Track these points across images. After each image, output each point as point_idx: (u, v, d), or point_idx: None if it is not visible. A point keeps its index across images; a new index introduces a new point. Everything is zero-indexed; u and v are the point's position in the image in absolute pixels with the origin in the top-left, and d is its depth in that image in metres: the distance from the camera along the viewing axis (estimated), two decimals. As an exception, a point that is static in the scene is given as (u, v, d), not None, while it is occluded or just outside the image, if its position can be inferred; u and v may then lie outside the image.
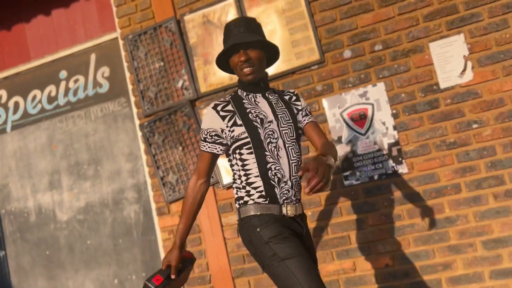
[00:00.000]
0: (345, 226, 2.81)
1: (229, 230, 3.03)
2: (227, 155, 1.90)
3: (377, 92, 2.77)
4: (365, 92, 2.79)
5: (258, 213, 1.76)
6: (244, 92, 1.88)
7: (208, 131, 1.83)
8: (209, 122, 1.84)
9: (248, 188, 1.80)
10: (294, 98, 1.97)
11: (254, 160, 1.78)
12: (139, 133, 3.25)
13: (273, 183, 1.77)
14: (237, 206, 1.85)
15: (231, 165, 1.89)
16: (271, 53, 1.92)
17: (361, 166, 2.79)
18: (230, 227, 3.02)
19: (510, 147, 2.55)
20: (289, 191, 1.78)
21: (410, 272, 2.68)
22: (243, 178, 1.81)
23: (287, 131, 1.83)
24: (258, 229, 1.73)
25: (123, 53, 3.34)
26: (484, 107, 2.60)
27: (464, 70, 2.63)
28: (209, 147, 1.84)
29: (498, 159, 2.57)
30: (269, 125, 1.80)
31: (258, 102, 1.86)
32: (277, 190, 1.77)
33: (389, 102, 2.75)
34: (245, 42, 1.77)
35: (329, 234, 2.84)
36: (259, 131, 1.78)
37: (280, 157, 1.79)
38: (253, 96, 1.88)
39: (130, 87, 3.31)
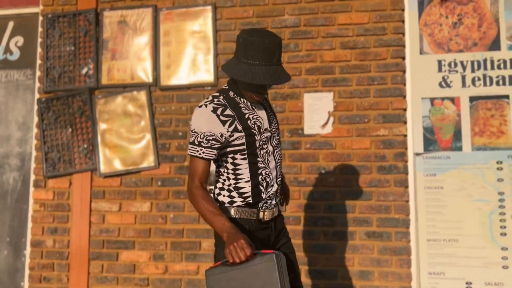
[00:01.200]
0: (198, 233, 3.13)
1: (96, 216, 3.25)
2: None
3: (254, 124, 3.14)
4: (244, 121, 3.15)
5: (236, 217, 1.78)
6: (238, 96, 1.82)
7: (205, 135, 1.72)
8: (207, 125, 1.73)
9: (233, 192, 1.80)
10: (269, 102, 2.00)
11: (247, 166, 1.78)
12: (36, 107, 3.41)
13: (261, 188, 1.80)
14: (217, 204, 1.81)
15: (218, 166, 1.86)
16: None
17: (225, 184, 3.13)
18: (97, 212, 3.25)
19: (347, 195, 3.00)
20: (273, 194, 1.84)
21: (242, 284, 3.03)
22: (232, 182, 1.80)
23: (275, 135, 1.88)
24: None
25: (39, 29, 3.49)
26: (334, 158, 3.04)
27: (326, 123, 3.06)
28: (204, 152, 1.73)
29: (335, 204, 3.00)
30: (265, 133, 1.82)
31: (255, 107, 1.84)
32: (263, 195, 1.81)
33: (261, 135, 3.13)
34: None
35: (183, 237, 3.14)
36: (256, 138, 1.78)
37: (269, 161, 1.82)
38: (246, 100, 1.83)
39: (38, 61, 3.47)
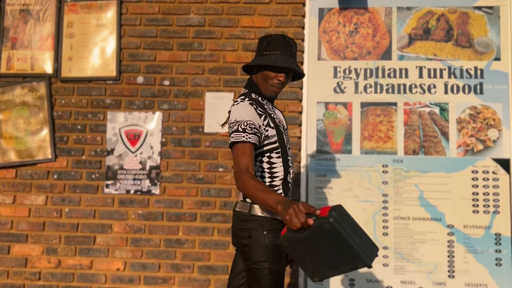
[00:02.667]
0: (93, 228, 3.11)
1: (-13, 207, 3.15)
2: None
3: (155, 120, 3.16)
4: (146, 117, 3.16)
5: (268, 216, 1.81)
6: (260, 98, 1.92)
7: (248, 123, 1.76)
8: (248, 115, 1.78)
9: None
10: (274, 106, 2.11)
11: (281, 164, 1.86)
12: None
13: (290, 185, 1.91)
14: (250, 201, 1.85)
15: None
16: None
17: (123, 179, 3.13)
18: (-11, 204, 3.16)
19: (242, 194, 3.07)
20: (291, 190, 1.95)
21: (134, 279, 3.05)
22: (267, 180, 1.85)
23: (289, 138, 2.02)
24: (265, 232, 1.80)
25: None
26: (231, 157, 3.10)
27: (225, 122, 3.12)
28: (250, 137, 1.75)
29: (230, 201, 3.07)
30: (286, 132, 1.96)
31: (275, 110, 1.99)
32: (289, 193, 1.91)
33: (161, 131, 3.15)
34: (291, 68, 1.87)
35: (77, 232, 3.11)
36: (284, 136, 1.89)
37: (292, 161, 1.95)
38: (268, 103, 1.96)
39: None
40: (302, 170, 3.10)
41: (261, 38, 1.92)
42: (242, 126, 1.75)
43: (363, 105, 3.14)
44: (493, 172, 3.02)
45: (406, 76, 3.13)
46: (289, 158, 1.90)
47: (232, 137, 1.76)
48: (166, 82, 3.18)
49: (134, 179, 3.12)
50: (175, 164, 3.12)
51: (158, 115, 3.16)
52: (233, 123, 1.79)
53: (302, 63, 3.15)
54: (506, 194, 2.99)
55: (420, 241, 3.03)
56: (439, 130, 3.08)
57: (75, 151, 3.17)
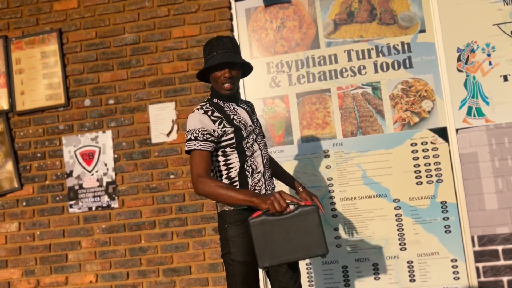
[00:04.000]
0: (64, 246, 3.33)
1: (-33, 240, 3.42)
2: None
3: (105, 138, 3.35)
4: (96, 137, 3.36)
5: (230, 208, 1.98)
6: (221, 102, 2.08)
7: (200, 130, 1.93)
8: (199, 123, 1.94)
9: (225, 182, 2.01)
10: (253, 108, 2.28)
11: (236, 156, 2.00)
12: None
13: (248, 173, 2.01)
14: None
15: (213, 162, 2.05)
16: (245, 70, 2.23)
17: (84, 197, 3.34)
18: (-32, 237, 3.42)
19: (194, 196, 3.23)
20: (260, 180, 2.04)
21: (105, 289, 3.26)
22: (224, 172, 2.01)
23: (258, 130, 2.15)
24: (226, 226, 1.98)
25: None
26: (181, 162, 3.27)
27: (171, 131, 3.29)
28: (201, 145, 1.92)
29: (184, 205, 3.24)
30: (250, 128, 2.07)
31: (237, 110, 2.10)
32: (249, 180, 2.01)
33: (113, 148, 3.34)
34: (230, 62, 2.01)
35: (50, 251, 3.33)
36: (243, 133, 2.01)
37: (254, 151, 2.05)
38: (230, 104, 2.09)
39: None
40: (248, 166, 3.23)
41: (204, 47, 2.08)
42: (194, 135, 1.93)
43: (298, 95, 3.24)
44: (432, 142, 3.07)
45: (336, 62, 3.21)
46: (245, 149, 2.02)
47: (186, 146, 1.95)
48: (111, 101, 3.37)
49: (94, 196, 3.32)
50: (129, 177, 3.31)
51: (108, 133, 3.35)
52: (187, 132, 1.98)
53: (234, 64, 3.26)
54: (447, 162, 3.04)
55: (369, 219, 3.12)
56: (373, 109, 3.15)
57: (38, 178, 3.40)
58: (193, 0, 3.32)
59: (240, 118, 2.06)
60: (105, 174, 3.33)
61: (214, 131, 1.95)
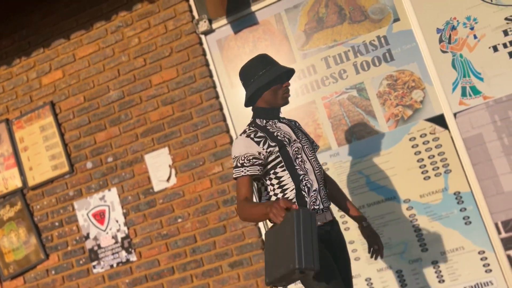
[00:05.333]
0: (96, 307, 3.43)
1: (10, 316, 3.60)
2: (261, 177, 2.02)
3: (112, 196, 3.44)
4: (104, 196, 3.46)
5: None
6: (264, 120, 2.06)
7: (245, 156, 1.93)
8: (244, 148, 1.94)
9: None
10: (298, 124, 2.23)
11: (289, 175, 1.95)
12: None
13: (304, 193, 1.95)
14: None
15: (265, 185, 2.02)
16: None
17: (104, 256, 3.43)
18: (10, 313, 3.60)
19: (205, 235, 3.23)
20: (316, 198, 1.97)
21: None
22: (280, 195, 1.97)
23: (307, 146, 2.07)
24: None
25: None
26: (185, 205, 3.28)
27: (170, 176, 3.32)
28: (248, 170, 1.91)
29: (197, 246, 3.25)
30: (295, 143, 2.02)
31: (279, 127, 2.06)
32: (307, 199, 1.95)
33: (120, 203, 3.42)
34: (287, 71, 2.06)
35: (84, 314, 3.45)
36: (288, 149, 1.97)
37: (307, 169, 1.99)
38: (272, 122, 2.07)
39: None
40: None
41: (241, 71, 2.09)
42: (240, 161, 1.94)
43: (285, 113, 3.17)
44: (431, 133, 2.89)
45: (315, 72, 3.12)
46: (297, 168, 1.97)
47: (234, 173, 1.96)
48: (110, 159, 3.46)
49: (113, 254, 3.41)
50: (141, 228, 3.37)
51: (113, 190, 3.43)
52: (233, 159, 1.99)
53: (216, 98, 3.26)
54: (451, 150, 2.85)
55: (382, 225, 2.97)
56: (363, 111, 3.03)
57: (60, 245, 3.54)
58: (165, 44, 3.35)
59: (284, 133, 2.02)
60: (118, 230, 3.41)
61: (259, 153, 1.94)
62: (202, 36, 3.31)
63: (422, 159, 2.91)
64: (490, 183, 2.78)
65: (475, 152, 2.81)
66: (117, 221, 3.41)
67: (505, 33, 2.77)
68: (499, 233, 2.75)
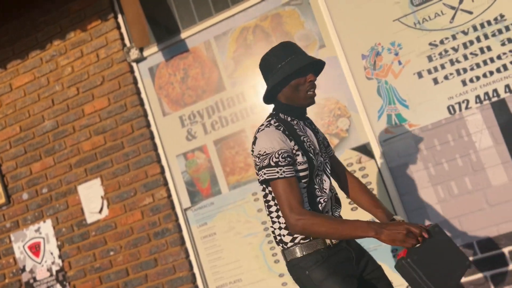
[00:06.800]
0: None
1: None
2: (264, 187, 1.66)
3: (47, 227, 3.38)
4: (39, 228, 3.40)
5: (304, 253, 1.59)
6: (289, 118, 1.67)
7: (280, 153, 1.51)
8: (278, 143, 1.52)
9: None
10: (315, 126, 1.82)
11: (306, 194, 1.60)
12: None
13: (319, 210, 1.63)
14: (281, 248, 1.66)
15: (269, 200, 1.65)
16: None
17: (39, 289, 3.37)
18: None
19: (137, 269, 3.15)
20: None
21: None
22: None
23: (327, 161, 1.73)
24: (307, 272, 1.58)
25: None
26: (118, 237, 3.21)
27: (102, 207, 3.26)
28: (285, 171, 1.50)
29: (129, 280, 3.17)
30: (318, 157, 1.65)
31: (306, 131, 1.69)
32: None
33: (55, 235, 3.36)
34: (314, 63, 1.66)
35: None
36: (314, 163, 1.60)
37: (325, 189, 1.64)
38: (298, 122, 1.68)
39: None
40: (182, 226, 3.11)
41: (263, 59, 1.68)
42: (274, 160, 1.50)
43: (216, 143, 3.10)
44: (357, 162, 2.80)
45: (244, 100, 3.05)
46: (316, 186, 1.61)
47: (265, 174, 1.51)
48: (45, 190, 3.40)
49: (48, 287, 3.34)
50: (75, 261, 3.30)
51: (48, 222, 3.37)
52: (262, 155, 1.53)
53: (147, 127, 3.20)
54: (378, 180, 2.76)
55: (312, 258, 2.87)
56: (291, 140, 2.94)
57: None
58: (97, 73, 3.30)
59: (310, 142, 1.64)
60: (53, 262, 3.34)
61: (292, 150, 1.55)
62: (134, 64, 3.26)
63: (350, 189, 2.81)
64: (418, 214, 2.68)
65: (402, 182, 2.71)
66: (51, 254, 3.35)
67: (430, 58, 2.69)
68: (427, 266, 2.64)
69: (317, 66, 1.75)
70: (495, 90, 2.57)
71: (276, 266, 2.94)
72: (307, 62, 1.58)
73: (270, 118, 1.65)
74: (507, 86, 2.55)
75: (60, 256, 3.33)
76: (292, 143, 1.56)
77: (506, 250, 2.53)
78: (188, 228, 3.12)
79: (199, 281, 3.05)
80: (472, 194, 2.58)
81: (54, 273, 3.33)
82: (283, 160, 1.49)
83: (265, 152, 1.52)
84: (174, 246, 3.08)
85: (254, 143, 1.62)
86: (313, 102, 1.67)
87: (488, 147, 2.56)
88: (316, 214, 1.46)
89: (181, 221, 3.12)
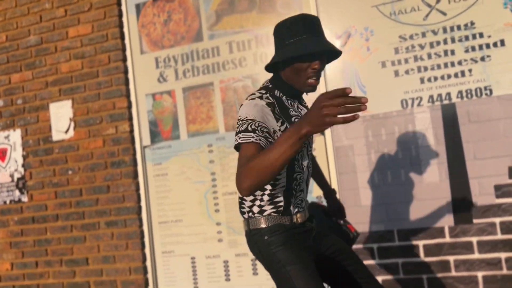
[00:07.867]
0: (-15, 237, 3.63)
1: None
2: None
3: (16, 136, 3.57)
4: (8, 135, 3.58)
5: (269, 224, 1.62)
6: (284, 96, 1.63)
7: (259, 124, 1.48)
8: (261, 116, 1.50)
9: (265, 201, 1.62)
10: (304, 102, 1.77)
11: (285, 171, 1.62)
12: None
13: (294, 192, 1.65)
14: (246, 216, 1.67)
15: None
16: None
17: (1, 192, 3.60)
18: None
19: (90, 191, 3.36)
20: (302, 200, 1.69)
21: (19, 277, 3.51)
22: (268, 187, 1.62)
23: (310, 139, 1.76)
24: (266, 237, 1.62)
25: None
26: (78, 159, 3.40)
27: (68, 128, 3.43)
28: (260, 139, 1.44)
29: (81, 200, 3.38)
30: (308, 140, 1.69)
31: (301, 110, 1.68)
32: (293, 200, 1.65)
33: (22, 145, 3.55)
34: (325, 50, 1.53)
35: (-25, 241, 3.66)
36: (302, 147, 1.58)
37: (303, 165, 1.67)
38: (292, 102, 1.66)
39: None
40: (138, 161, 3.29)
41: (277, 27, 1.58)
42: (253, 126, 1.47)
43: (184, 90, 3.23)
44: (309, 135, 2.93)
45: (218, 54, 3.15)
46: (295, 163, 1.62)
47: (240, 138, 1.45)
48: (20, 101, 3.56)
49: (8, 191, 3.57)
50: (36, 173, 3.51)
51: (17, 132, 3.56)
52: (243, 120, 1.50)
53: (123, 61, 3.31)
54: (323, 156, 2.90)
55: (249, 214, 3.06)
56: (253, 102, 3.06)
57: (-36, 174, 3.70)
58: (86, -1, 3.38)
59: None
60: (16, 170, 3.55)
61: (274, 131, 1.53)
62: (122, -2, 3.33)
63: (296, 159, 2.96)
64: (351, 194, 2.84)
65: (343, 162, 2.85)
66: (16, 161, 3.55)
67: (396, 50, 2.76)
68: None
69: (331, 52, 1.65)
70: (448, 94, 2.66)
71: (215, 215, 3.13)
72: (314, 50, 1.47)
73: (264, 91, 1.60)
74: (460, 92, 2.64)
75: (23, 165, 3.54)
76: (279, 123, 1.54)
77: (420, 243, 2.70)
78: (144, 164, 3.30)
79: (143, 214, 3.26)
80: (404, 186, 2.73)
81: (15, 179, 3.55)
82: (261, 131, 1.46)
83: (246, 117, 1.50)
84: (127, 178, 3.27)
85: (240, 107, 1.58)
86: (312, 90, 1.60)
87: (429, 146, 2.69)
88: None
89: (138, 156, 3.29)
